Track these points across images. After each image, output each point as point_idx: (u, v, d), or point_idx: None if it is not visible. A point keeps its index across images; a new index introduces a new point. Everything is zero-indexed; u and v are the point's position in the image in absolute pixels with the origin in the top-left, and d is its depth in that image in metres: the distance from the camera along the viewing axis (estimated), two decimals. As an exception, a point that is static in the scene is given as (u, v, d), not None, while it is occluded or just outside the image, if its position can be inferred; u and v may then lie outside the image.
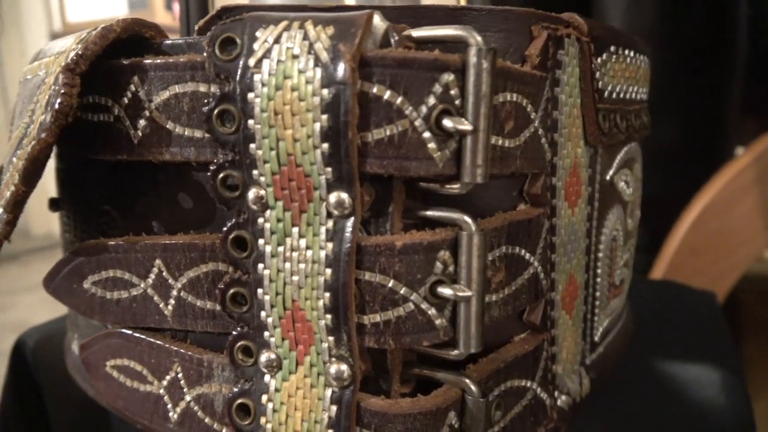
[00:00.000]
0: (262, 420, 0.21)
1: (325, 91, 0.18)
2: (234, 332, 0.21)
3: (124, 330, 0.25)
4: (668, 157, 0.65)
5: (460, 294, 0.19)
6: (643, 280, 0.48)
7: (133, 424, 0.26)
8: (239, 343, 0.21)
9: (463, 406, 0.20)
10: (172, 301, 0.23)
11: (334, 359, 0.20)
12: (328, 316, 0.19)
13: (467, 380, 0.20)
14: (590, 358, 0.28)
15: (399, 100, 0.18)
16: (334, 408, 0.20)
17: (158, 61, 0.21)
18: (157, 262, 0.23)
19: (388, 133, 0.18)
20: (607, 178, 0.27)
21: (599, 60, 0.24)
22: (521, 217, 0.21)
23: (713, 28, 0.63)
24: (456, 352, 0.19)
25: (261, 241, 0.20)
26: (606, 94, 0.25)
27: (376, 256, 0.19)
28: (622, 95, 0.26)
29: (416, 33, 0.18)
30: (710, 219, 0.53)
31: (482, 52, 0.17)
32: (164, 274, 0.23)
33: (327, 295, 0.19)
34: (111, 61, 0.22)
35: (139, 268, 0.23)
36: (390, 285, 0.19)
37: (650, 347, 0.34)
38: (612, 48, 0.24)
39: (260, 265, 0.20)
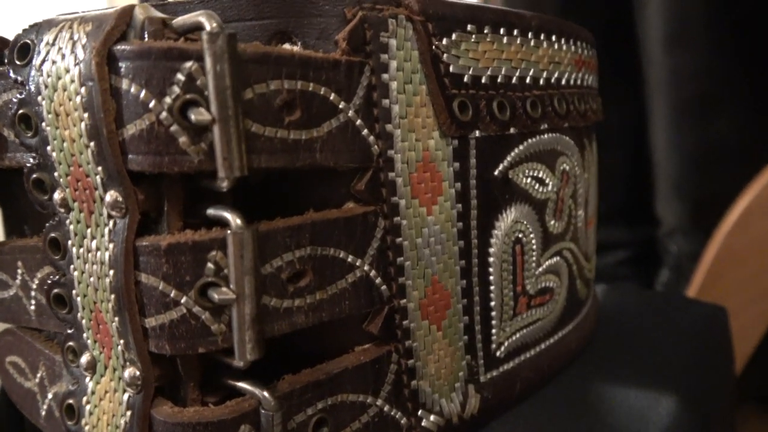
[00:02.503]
0: (83, 421, 0.21)
1: (83, 89, 0.18)
2: (64, 333, 0.22)
3: (15, 328, 0.26)
4: (723, 155, 0.58)
5: (224, 297, 0.17)
6: (642, 291, 0.42)
7: (29, 418, 0.27)
8: (67, 344, 0.22)
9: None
10: (33, 302, 0.24)
11: (128, 363, 0.19)
12: (117, 319, 0.19)
13: (264, 392, 0.19)
14: (486, 375, 0.25)
15: (143, 93, 0.17)
16: (129, 413, 0.19)
17: (-7, 70, 0.22)
18: (19, 263, 0.24)
19: (138, 128, 0.17)
20: (495, 173, 0.24)
21: (445, 41, 0.21)
22: (335, 216, 0.20)
23: None
24: (236, 360, 0.18)
25: (69, 243, 0.20)
26: (466, 78, 0.22)
27: (147, 256, 0.18)
28: (500, 80, 0.23)
29: (175, 23, 0.18)
30: (754, 221, 0.45)
31: (211, 36, 0.16)
32: (25, 275, 0.24)
33: (113, 297, 0.19)
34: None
35: (9, 269, 0.24)
36: (160, 287, 0.18)
37: (605, 368, 0.30)
38: (469, 27, 0.22)
39: (71, 267, 0.20)
